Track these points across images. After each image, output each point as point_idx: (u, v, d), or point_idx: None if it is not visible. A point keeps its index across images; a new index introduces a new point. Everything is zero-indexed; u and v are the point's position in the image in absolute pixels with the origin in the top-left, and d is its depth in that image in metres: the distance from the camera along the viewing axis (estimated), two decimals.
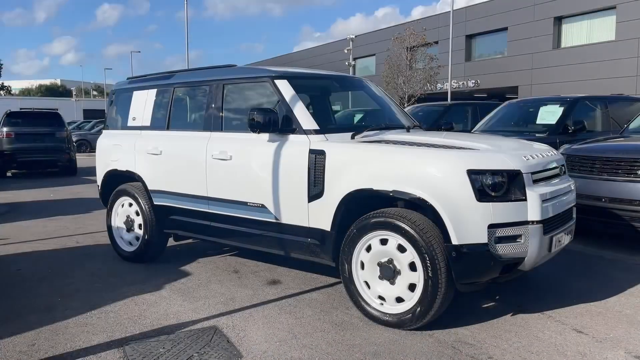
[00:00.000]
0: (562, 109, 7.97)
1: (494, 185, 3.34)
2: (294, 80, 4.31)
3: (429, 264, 3.34)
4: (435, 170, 3.40)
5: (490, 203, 3.30)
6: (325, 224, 3.85)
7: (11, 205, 9.33)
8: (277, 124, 4.04)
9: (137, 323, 3.73)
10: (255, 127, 4.02)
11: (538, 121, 8.27)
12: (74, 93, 75.94)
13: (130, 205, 5.29)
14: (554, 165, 3.86)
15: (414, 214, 3.47)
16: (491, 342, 3.35)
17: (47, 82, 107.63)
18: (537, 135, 7.65)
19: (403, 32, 28.09)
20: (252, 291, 4.38)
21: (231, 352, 3.24)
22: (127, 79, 5.85)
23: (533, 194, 3.40)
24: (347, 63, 29.65)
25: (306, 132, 4.02)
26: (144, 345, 3.36)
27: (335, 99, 5.12)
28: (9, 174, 14.80)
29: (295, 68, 4.87)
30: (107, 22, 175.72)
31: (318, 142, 3.95)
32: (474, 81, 31.37)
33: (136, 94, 5.46)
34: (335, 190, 3.76)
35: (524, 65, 28.59)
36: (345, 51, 30.10)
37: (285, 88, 4.20)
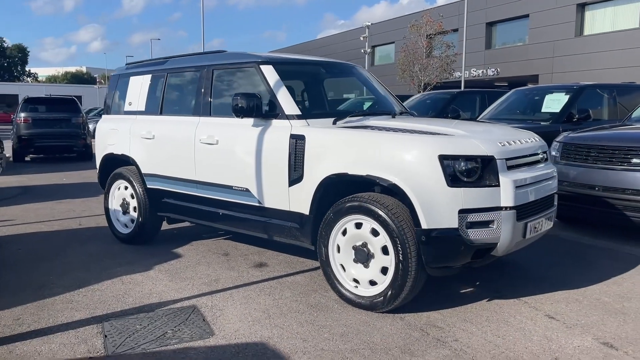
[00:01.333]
0: (567, 97, 7.86)
1: (466, 171, 3.36)
2: (279, 65, 4.35)
3: (399, 248, 3.39)
4: (407, 155, 3.43)
5: (462, 188, 3.32)
6: (305, 208, 3.90)
7: (25, 188, 9.59)
8: (261, 109, 4.10)
9: (120, 301, 3.85)
10: (239, 112, 4.08)
11: (543, 109, 8.17)
12: (98, 80, 76.95)
13: (126, 188, 5.42)
14: (534, 152, 3.85)
15: (387, 198, 3.50)
16: (460, 326, 3.38)
17: (72, 69, 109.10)
18: (541, 123, 7.59)
19: (420, 20, 27.79)
20: (237, 273, 4.47)
21: (204, 330, 3.34)
22: (126, 64, 5.96)
23: (506, 180, 3.41)
24: (362, 50, 29.48)
25: (288, 117, 4.07)
26: (122, 321, 3.48)
27: (331, 86, 5.14)
28: (27, 158, 15.15)
29: (287, 54, 4.91)
30: (133, 10, 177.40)
31: (299, 127, 4.00)
32: (494, 69, 30.95)
33: (133, 80, 5.57)
34: (314, 174, 3.81)
35: (546, 53, 28.10)
36: (361, 38, 29.92)
37: (269, 73, 4.25)
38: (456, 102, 10.36)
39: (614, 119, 7.98)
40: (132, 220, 5.39)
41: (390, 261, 3.48)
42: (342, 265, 3.74)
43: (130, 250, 5.26)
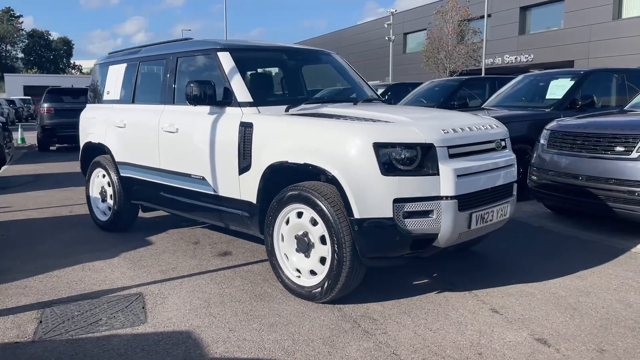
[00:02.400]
0: (572, 83, 7.53)
1: (402, 159, 3.24)
2: (237, 52, 4.30)
3: (335, 238, 3.31)
4: (341, 143, 3.34)
5: (397, 177, 3.21)
6: (253, 197, 3.86)
7: (36, 177, 9.87)
8: (214, 96, 4.06)
9: (71, 287, 3.91)
10: (192, 99, 4.06)
11: (548, 96, 7.85)
12: None
13: (104, 176, 5.49)
14: (486, 139, 3.69)
15: (326, 187, 3.42)
16: (396, 318, 3.29)
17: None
18: (545, 110, 7.29)
19: (446, 5, 27.15)
20: (197, 261, 4.48)
21: (137, 318, 3.35)
22: (109, 53, 6.03)
23: (446, 169, 3.28)
24: (386, 38, 29.05)
25: (240, 104, 4.02)
26: (63, 308, 3.53)
27: (309, 74, 5.05)
28: (53, 147, 15.60)
29: (257, 41, 4.86)
30: (176, 2, 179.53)
31: (249, 114, 3.95)
32: (527, 56, 30.02)
33: (111, 69, 5.62)
34: (260, 163, 3.76)
35: (582, 38, 27.08)
36: (385, 25, 29.47)
37: (225, 60, 4.21)
38: (464, 89, 10.08)
39: (623, 106, 7.62)
40: (110, 208, 5.47)
41: (327, 251, 3.41)
42: (286, 255, 3.69)
43: (106, 237, 5.34)
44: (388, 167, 3.21)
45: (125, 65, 5.39)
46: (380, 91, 12.70)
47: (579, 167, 5.12)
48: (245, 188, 3.92)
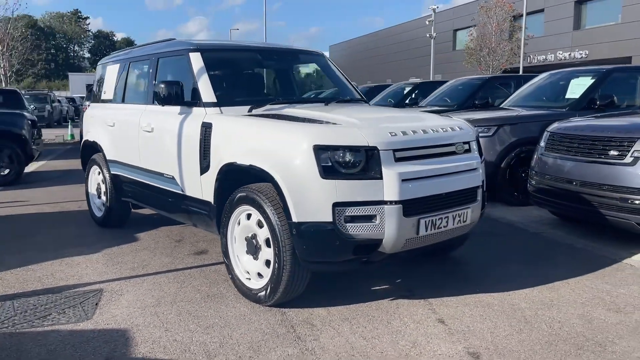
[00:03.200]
0: (592, 81, 7.13)
1: (344, 162, 3.16)
2: (209, 53, 4.32)
3: (276, 241, 3.27)
4: (283, 144, 3.29)
5: (336, 180, 3.13)
6: (212, 197, 3.87)
7: (66, 172, 10.30)
8: (181, 96, 4.10)
9: (41, 281, 4.05)
10: (160, 99, 4.12)
11: (567, 95, 7.48)
12: None
13: (99, 174, 5.66)
14: (444, 142, 3.54)
15: (271, 189, 3.38)
16: (335, 325, 3.21)
17: None
18: (562, 110, 6.95)
19: (490, 1, 26.31)
20: (171, 259, 4.54)
21: (85, 314, 3.42)
22: (111, 54, 6.19)
23: (390, 173, 3.17)
24: (427, 35, 28.47)
25: (205, 104, 4.04)
26: (23, 301, 3.66)
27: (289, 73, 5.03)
28: None
29: (245, 41, 4.86)
30: (236, 1, 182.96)
31: (211, 114, 3.96)
32: (582, 52, 28.73)
33: (108, 69, 5.78)
34: (216, 163, 3.76)
35: None
36: (427, 22, 28.88)
37: (196, 61, 4.24)
38: (488, 88, 9.75)
39: None
40: (104, 205, 5.63)
41: (271, 254, 3.37)
42: (237, 256, 3.68)
43: (97, 233, 5.49)
44: (328, 170, 3.14)
45: (118, 65, 5.52)
46: (407, 90, 12.48)
47: (574, 171, 4.84)
48: (205, 188, 3.93)
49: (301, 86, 5.02)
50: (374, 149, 3.18)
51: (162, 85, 4.07)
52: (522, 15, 26.11)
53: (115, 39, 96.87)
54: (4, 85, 21.57)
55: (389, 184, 3.17)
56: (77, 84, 53.36)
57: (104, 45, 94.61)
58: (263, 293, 3.43)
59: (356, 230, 3.18)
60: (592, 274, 4.08)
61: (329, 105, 4.32)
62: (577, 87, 7.34)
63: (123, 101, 5.30)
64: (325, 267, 3.37)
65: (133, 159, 4.92)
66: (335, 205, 3.13)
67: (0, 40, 21.38)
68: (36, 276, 4.16)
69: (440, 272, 4.16)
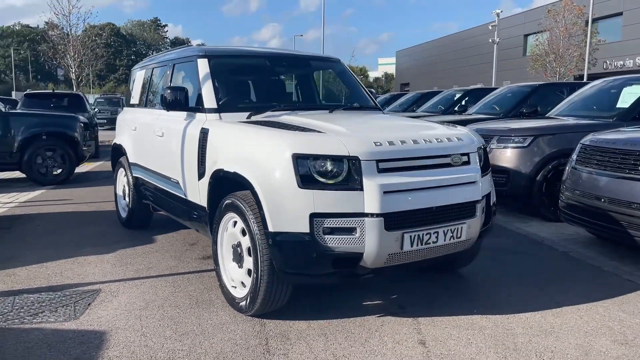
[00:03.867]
0: None
1: (323, 172, 3.06)
2: (216, 59, 4.34)
3: (255, 250, 3.21)
4: (263, 152, 3.23)
5: (314, 191, 3.03)
6: (206, 203, 3.87)
7: None
8: (185, 102, 4.13)
9: (47, 279, 4.19)
10: (166, 105, 4.17)
11: (618, 104, 6.99)
12: None
13: (124, 176, 5.82)
14: (436, 154, 3.35)
15: (252, 197, 3.33)
16: (311, 340, 3.11)
17: None
18: (603, 120, 6.49)
19: (558, 4, 25.06)
20: (176, 263, 4.58)
21: (74, 314, 3.49)
22: (142, 60, 6.38)
23: (371, 184, 3.03)
24: (490, 40, 27.51)
25: (206, 110, 4.06)
26: (24, 298, 3.79)
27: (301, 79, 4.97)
28: None
29: (260, 48, 4.87)
30: (309, 8, 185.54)
31: (210, 120, 3.97)
32: None
33: (137, 74, 5.95)
34: (209, 169, 3.76)
35: None
36: (490, 27, 27.91)
37: (202, 67, 4.27)
38: (538, 95, 9.27)
39: None
40: (127, 206, 5.78)
41: (252, 263, 3.31)
42: (225, 264, 3.65)
43: (120, 234, 5.65)
44: (307, 179, 3.04)
45: (144, 71, 5.67)
46: (457, 96, 12.11)
47: (603, 187, 4.48)
48: (202, 194, 3.93)
49: (312, 93, 4.94)
50: (355, 158, 3.06)
51: (168, 91, 4.12)
52: (596, 19, 24.76)
53: (190, 45, 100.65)
54: (74, 90, 22.84)
55: (370, 196, 3.03)
56: None
57: None
58: (244, 303, 3.38)
59: (335, 242, 3.06)
60: (610, 300, 3.74)
61: (333, 113, 4.22)
62: (629, 96, 6.83)
63: (145, 106, 5.44)
64: (306, 279, 3.27)
65: (149, 162, 5.02)
66: (313, 216, 3.03)
67: (71, 47, 22.66)
68: (46, 273, 4.31)
69: (441, 289, 3.95)
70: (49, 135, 9.17)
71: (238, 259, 3.49)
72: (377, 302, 3.72)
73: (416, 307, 3.58)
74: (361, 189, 3.04)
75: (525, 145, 6.30)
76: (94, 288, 3.98)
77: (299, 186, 3.03)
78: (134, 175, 5.48)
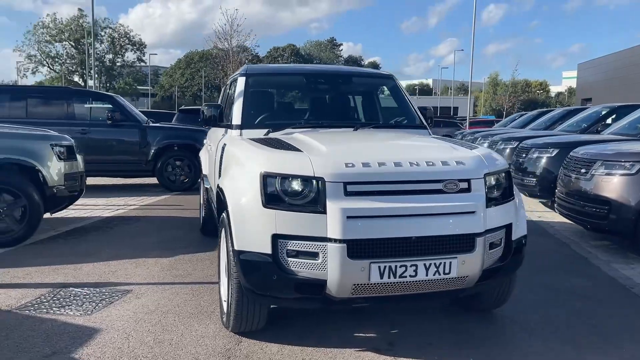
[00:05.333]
0: None
1: (288, 192, 2.97)
2: (253, 77, 4.48)
3: (228, 268, 3.23)
4: (240, 170, 3.26)
5: (277, 211, 2.95)
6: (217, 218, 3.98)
7: None
8: (219, 118, 4.33)
9: (100, 276, 4.64)
10: (204, 121, 4.40)
11: None
12: (433, 92, 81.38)
13: (202, 186, 6.23)
14: (425, 178, 3.02)
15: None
16: None
17: (416, 81, 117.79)
18: None
19: None
20: (212, 272, 4.75)
21: (92, 310, 3.82)
22: None
23: (334, 207, 2.86)
24: None
25: (233, 127, 4.20)
26: (69, 291, 4.24)
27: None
28: None
29: (308, 65, 4.91)
30: (490, 21, 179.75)
31: (232, 136, 4.09)
32: None
33: (221, 93, 6.34)
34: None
35: None
36: None
37: (239, 85, 4.43)
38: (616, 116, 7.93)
39: None
40: (201, 214, 6.17)
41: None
42: (221, 278, 3.71)
43: (191, 239, 6.03)
44: (272, 198, 2.98)
45: (224, 89, 6.03)
46: (603, 113, 10.74)
47: None
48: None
49: (350, 110, 4.79)
50: (320, 179, 2.92)
51: (205, 107, 4.33)
52: None
53: (362, 63, 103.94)
54: None
55: (333, 220, 2.86)
56: None
57: None
58: (225, 318, 3.41)
59: (298, 266, 2.95)
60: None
61: (356, 131, 4.07)
62: None
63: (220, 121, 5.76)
64: (275, 301, 3.19)
65: (209, 175, 5.32)
66: (277, 237, 2.95)
67: (230, 66, 24.82)
68: (103, 271, 4.78)
69: (448, 332, 3.53)
70: (180, 146, 10.14)
71: (228, 273, 3.52)
72: (368, 334, 3.47)
73: (407, 347, 3.27)
74: (324, 212, 2.89)
75: (633, 172, 5.36)
76: (127, 288, 4.31)
77: (263, 205, 2.98)
78: (204, 186, 5.83)
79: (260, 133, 4.03)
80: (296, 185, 2.96)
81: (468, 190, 3.10)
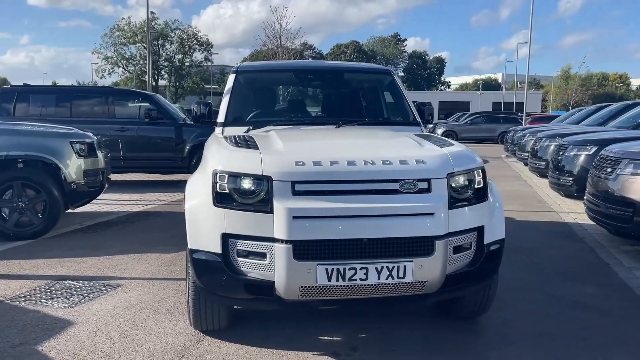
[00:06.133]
0: None
1: (237, 191, 2.92)
2: (242, 74, 4.45)
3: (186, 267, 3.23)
4: (201, 168, 3.23)
5: (226, 209, 2.91)
6: None
7: None
8: (206, 116, 4.33)
9: (99, 269, 4.77)
10: (194, 118, 4.42)
11: None
12: (501, 85, 78.66)
13: None
14: (380, 178, 2.88)
15: None
16: None
17: (484, 76, 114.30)
18: None
19: None
20: None
21: (77, 302, 3.93)
22: None
23: (281, 207, 2.79)
24: None
25: (218, 124, 4.19)
26: (65, 283, 4.38)
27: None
28: None
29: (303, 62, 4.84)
30: (568, 12, 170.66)
31: (215, 134, 4.08)
32: None
33: None
34: None
35: None
36: None
37: (228, 83, 4.41)
38: None
39: None
40: None
41: None
42: None
43: None
44: (222, 197, 2.94)
45: None
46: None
47: None
48: None
49: (337, 106, 4.63)
50: (268, 178, 2.85)
51: (195, 105, 4.35)
52: None
53: (427, 57, 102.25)
54: None
55: (279, 220, 2.79)
56: None
57: (417, 64, 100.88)
58: (188, 316, 3.40)
59: (248, 267, 2.91)
60: None
61: (337, 129, 3.95)
62: None
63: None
64: (230, 301, 3.15)
65: None
66: (227, 236, 2.91)
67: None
68: (105, 265, 4.91)
69: (423, 338, 3.37)
70: None
71: (186, 272, 3.51)
72: (335, 337, 3.36)
73: (368, 353, 3.14)
74: (271, 212, 2.81)
75: None
76: (119, 283, 4.41)
77: (214, 204, 2.95)
78: None
79: (241, 131, 3.99)
80: (246, 184, 2.90)
81: (428, 190, 2.93)
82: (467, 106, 53.53)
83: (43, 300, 3.99)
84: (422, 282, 2.90)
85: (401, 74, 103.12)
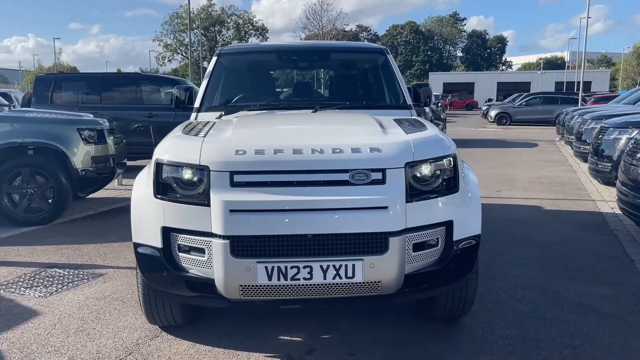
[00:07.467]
0: None
1: (177, 182, 2.74)
2: (224, 57, 4.24)
3: None
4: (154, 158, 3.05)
5: (165, 202, 2.74)
6: None
7: None
8: (186, 101, 4.15)
9: (89, 258, 4.74)
10: (175, 104, 4.26)
11: None
12: (567, 65, 74.99)
13: None
14: (328, 168, 2.61)
15: None
16: None
17: (549, 55, 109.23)
18: None
19: None
20: None
21: (54, 291, 3.89)
22: None
23: (217, 200, 2.58)
24: None
25: (194, 109, 4.01)
26: (51, 272, 4.37)
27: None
28: None
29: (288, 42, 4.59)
30: None
31: (190, 121, 3.90)
32: None
33: None
34: None
35: None
36: None
37: (210, 66, 4.22)
38: None
39: None
40: None
41: None
42: None
43: None
44: (162, 189, 2.77)
45: None
46: None
47: None
48: None
49: (328, 89, 4.34)
50: (205, 168, 2.64)
51: (175, 89, 4.19)
52: None
53: (487, 36, 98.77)
54: None
55: (216, 214, 2.59)
56: (435, 82, 56.52)
57: (477, 44, 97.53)
58: None
59: (189, 263, 2.74)
60: None
61: (314, 114, 3.67)
62: None
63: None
64: (177, 298, 2.97)
65: None
66: (166, 230, 2.74)
67: None
68: (96, 253, 4.88)
69: (391, 342, 3.09)
70: None
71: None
72: (295, 338, 3.14)
73: (324, 356, 2.90)
74: (208, 205, 2.61)
75: None
76: (103, 272, 4.35)
77: (154, 195, 2.77)
78: None
79: (213, 117, 3.79)
80: (186, 175, 2.71)
81: (382, 182, 2.63)
82: (528, 87, 51.38)
83: (22, 289, 3.97)
84: (375, 282, 2.62)
85: (460, 54, 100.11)
